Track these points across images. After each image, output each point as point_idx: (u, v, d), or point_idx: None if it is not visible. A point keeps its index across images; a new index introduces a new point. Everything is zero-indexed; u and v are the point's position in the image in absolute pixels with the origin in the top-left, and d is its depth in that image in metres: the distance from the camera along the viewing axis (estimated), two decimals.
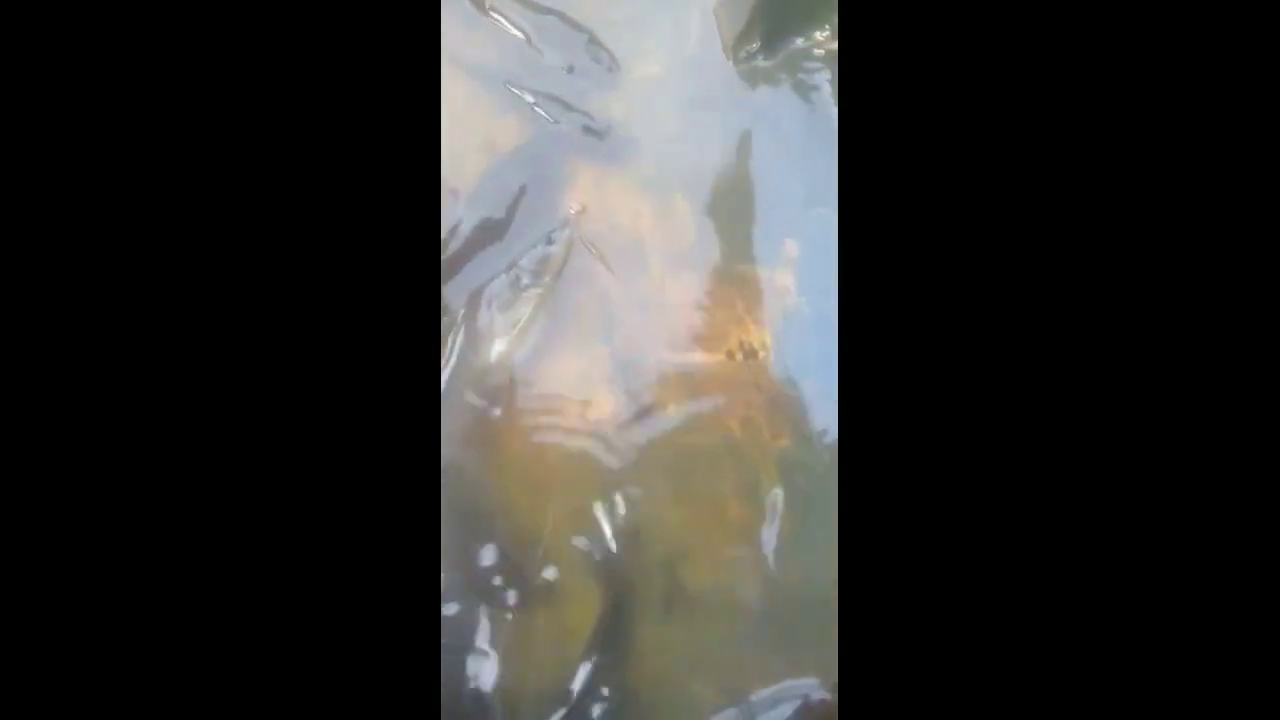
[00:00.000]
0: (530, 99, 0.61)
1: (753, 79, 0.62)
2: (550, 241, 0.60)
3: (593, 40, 0.62)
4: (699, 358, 0.60)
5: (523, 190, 0.61)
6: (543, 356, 0.60)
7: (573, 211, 0.60)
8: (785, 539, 0.58)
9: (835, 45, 0.61)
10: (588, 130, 0.61)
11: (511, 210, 0.61)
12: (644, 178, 0.62)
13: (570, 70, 0.63)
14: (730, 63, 0.62)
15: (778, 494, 0.58)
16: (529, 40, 0.62)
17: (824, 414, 0.59)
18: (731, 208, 0.61)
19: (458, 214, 0.61)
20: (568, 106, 0.62)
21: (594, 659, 0.56)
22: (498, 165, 0.62)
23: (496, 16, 0.62)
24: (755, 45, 0.61)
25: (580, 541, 0.58)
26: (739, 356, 0.60)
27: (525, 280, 0.59)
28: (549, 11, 0.63)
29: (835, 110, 0.61)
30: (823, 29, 0.61)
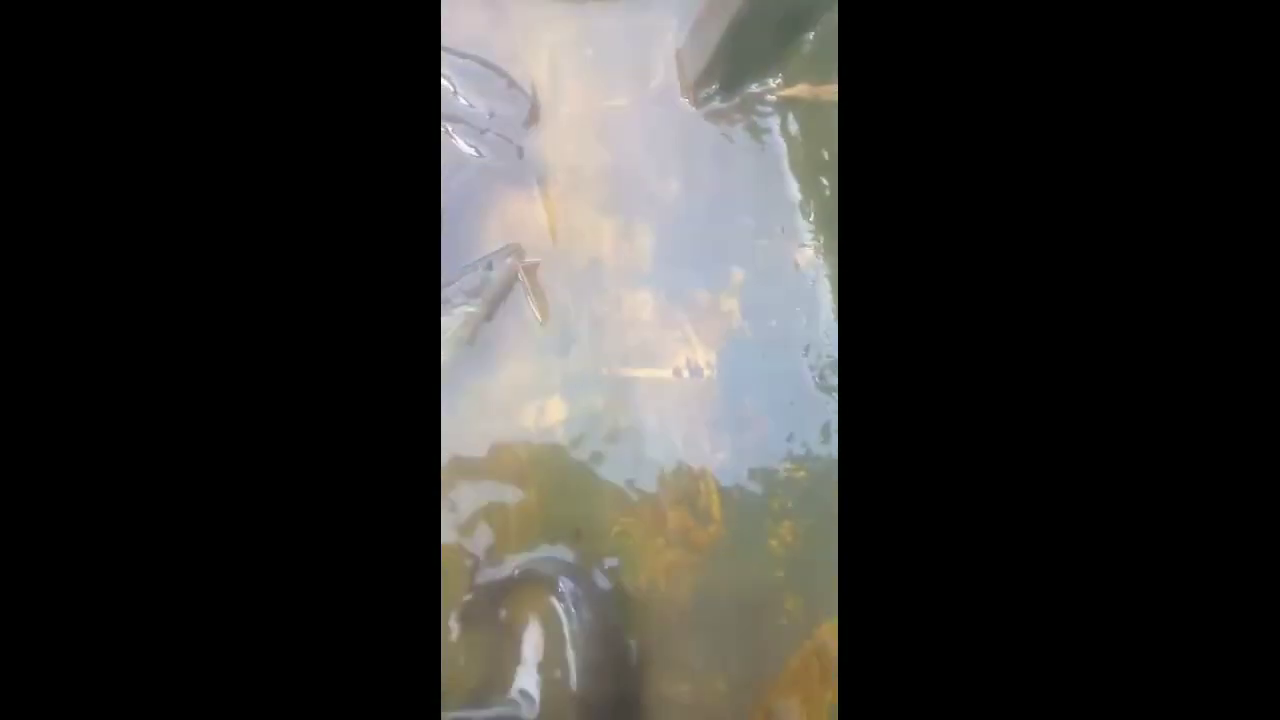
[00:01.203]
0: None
1: (710, 118, 0.67)
2: (489, 267, 0.62)
3: (511, 84, 0.67)
4: (648, 373, 0.63)
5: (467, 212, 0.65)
6: (497, 367, 0.63)
7: (523, 263, 0.63)
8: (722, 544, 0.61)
9: (786, 92, 0.66)
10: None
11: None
12: (603, 203, 0.66)
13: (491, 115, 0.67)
14: (689, 102, 0.67)
15: (714, 502, 0.61)
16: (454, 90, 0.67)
17: (760, 430, 0.62)
18: (686, 236, 0.65)
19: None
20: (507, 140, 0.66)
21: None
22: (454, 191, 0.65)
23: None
24: (714, 88, 0.65)
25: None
26: (685, 374, 0.63)
27: (458, 300, 0.62)
28: (467, 56, 0.67)
29: (784, 149, 0.66)
30: (776, 77, 0.66)
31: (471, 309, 0.61)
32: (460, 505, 0.60)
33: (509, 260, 0.62)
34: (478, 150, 0.65)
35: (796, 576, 0.60)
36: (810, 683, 0.58)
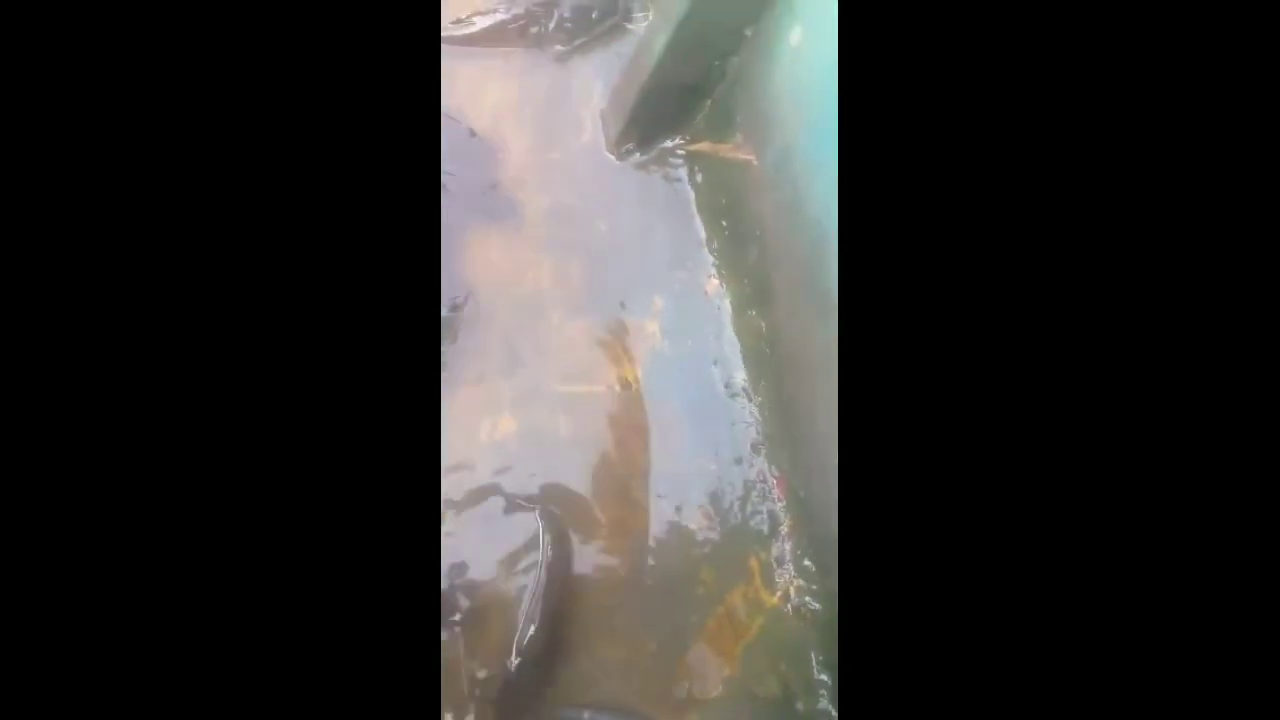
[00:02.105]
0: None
1: (630, 168, 0.78)
2: (454, 308, 0.73)
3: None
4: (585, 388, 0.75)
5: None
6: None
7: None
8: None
9: (693, 147, 0.77)
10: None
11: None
12: (542, 241, 0.77)
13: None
14: (612, 155, 0.78)
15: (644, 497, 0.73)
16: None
17: (679, 435, 0.74)
18: (612, 268, 0.77)
19: None
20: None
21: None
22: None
23: None
24: (631, 144, 0.77)
25: None
26: (616, 388, 0.75)
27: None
28: None
29: (692, 195, 0.78)
30: (684, 135, 0.78)
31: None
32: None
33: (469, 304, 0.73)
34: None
35: (712, 552, 0.72)
36: (723, 639, 0.70)
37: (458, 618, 0.67)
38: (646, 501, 0.72)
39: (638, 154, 0.77)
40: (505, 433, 0.72)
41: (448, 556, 0.67)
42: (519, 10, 0.80)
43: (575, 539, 0.70)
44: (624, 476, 0.72)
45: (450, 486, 0.69)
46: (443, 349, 0.73)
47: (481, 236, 0.76)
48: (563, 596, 0.68)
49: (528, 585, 0.67)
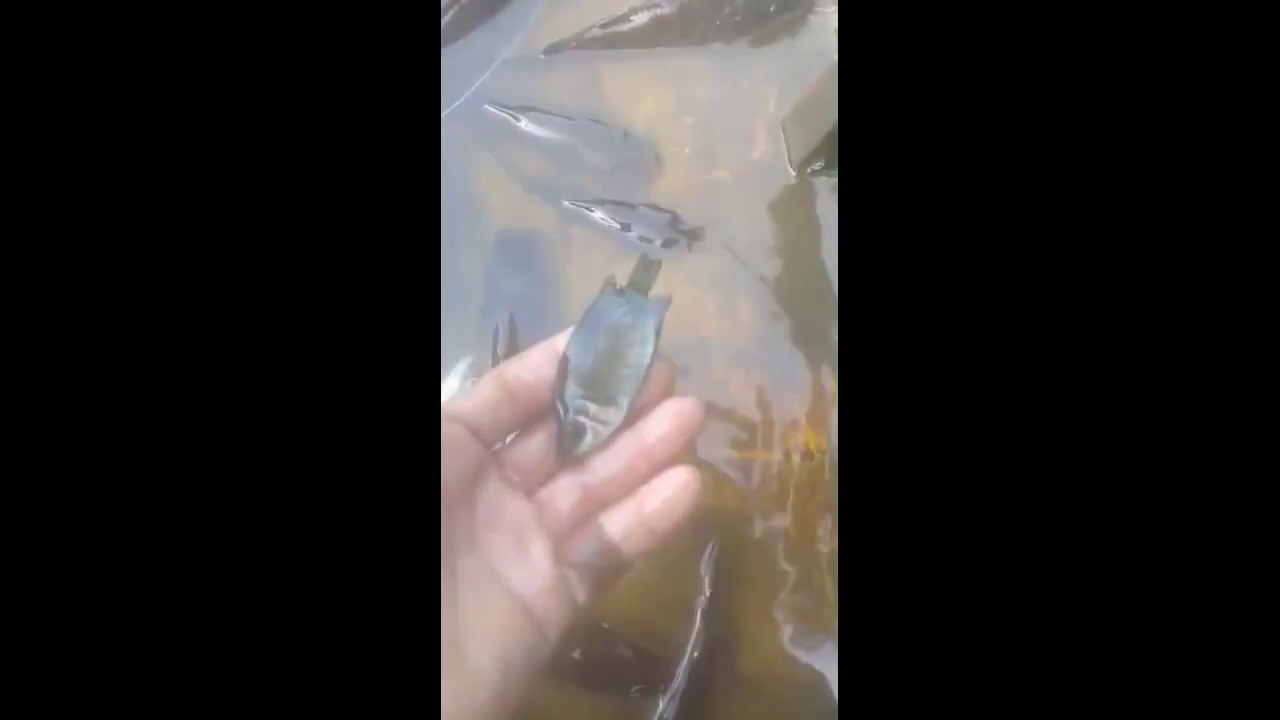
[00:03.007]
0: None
1: (814, 188, 0.66)
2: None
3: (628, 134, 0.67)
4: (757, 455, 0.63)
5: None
6: None
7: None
8: None
9: None
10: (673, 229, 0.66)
11: None
12: (710, 275, 0.65)
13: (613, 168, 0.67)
14: (793, 173, 0.66)
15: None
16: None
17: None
18: (793, 310, 0.65)
19: None
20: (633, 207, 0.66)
21: None
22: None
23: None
24: (821, 164, 0.64)
25: None
26: (795, 458, 0.63)
27: None
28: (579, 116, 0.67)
29: None
30: None
31: None
32: None
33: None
34: (628, 226, 0.65)
35: None
36: None
37: None
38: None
39: (826, 173, 0.65)
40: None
41: None
42: (683, 2, 0.68)
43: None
44: (808, 565, 0.60)
45: None
46: None
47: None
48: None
49: None
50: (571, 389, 0.41)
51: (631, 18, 0.68)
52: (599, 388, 0.41)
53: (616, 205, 0.66)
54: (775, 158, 0.66)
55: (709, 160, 0.67)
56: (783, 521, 0.61)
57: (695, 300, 0.64)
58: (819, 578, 0.61)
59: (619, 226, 0.65)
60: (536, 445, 0.41)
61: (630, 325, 0.42)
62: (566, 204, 0.66)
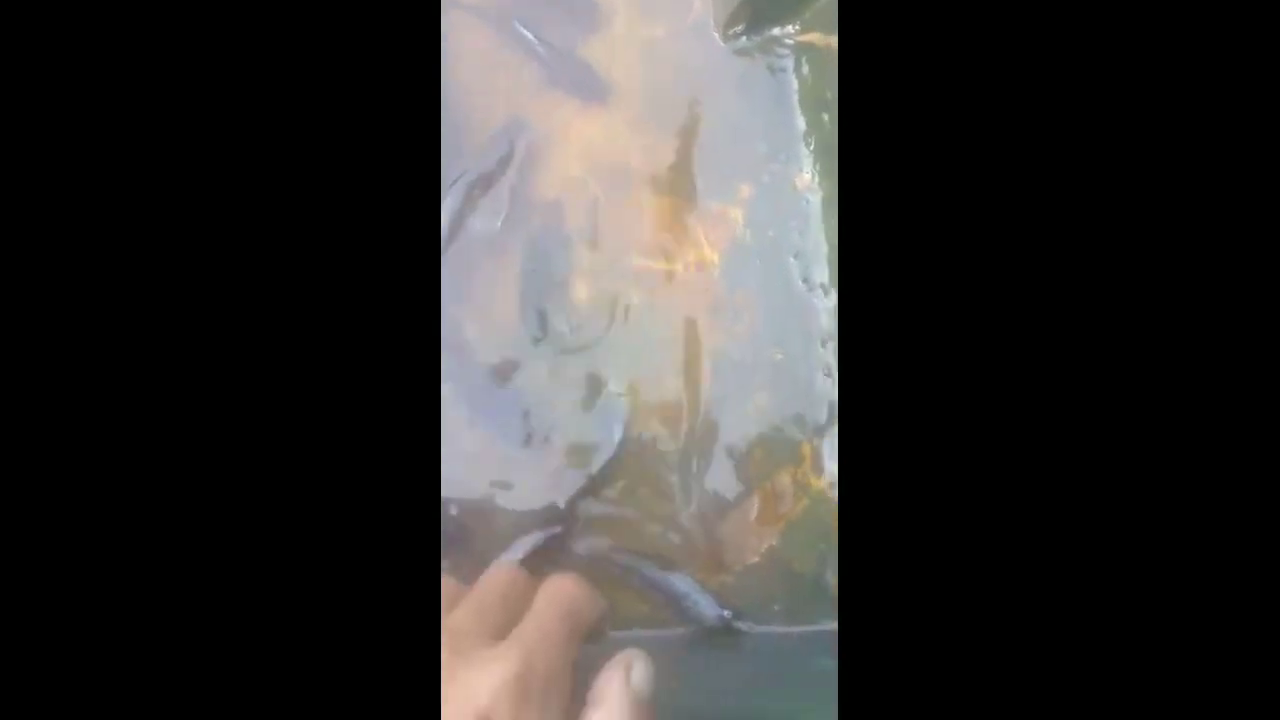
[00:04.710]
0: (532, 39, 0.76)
1: (735, 54, 0.78)
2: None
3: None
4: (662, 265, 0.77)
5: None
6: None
7: None
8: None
9: (804, 38, 0.77)
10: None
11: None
12: (635, 119, 0.78)
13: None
14: (718, 37, 0.78)
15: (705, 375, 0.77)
16: None
17: (749, 321, 0.77)
18: (703, 152, 0.78)
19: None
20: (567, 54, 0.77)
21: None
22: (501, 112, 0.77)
23: None
24: (740, 28, 0.77)
25: None
26: (693, 269, 0.77)
27: None
28: None
29: (795, 87, 0.78)
30: (796, 24, 0.78)
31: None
32: None
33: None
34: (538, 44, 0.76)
35: (767, 433, 0.76)
36: (766, 514, 0.75)
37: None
38: (707, 379, 0.75)
39: (745, 39, 0.77)
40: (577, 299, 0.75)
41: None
42: None
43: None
44: (689, 355, 0.76)
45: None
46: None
47: (575, 110, 0.77)
48: None
49: None
50: None
51: None
52: None
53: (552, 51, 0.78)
54: (706, 22, 0.78)
55: (650, 20, 0.79)
56: (673, 325, 0.76)
57: (622, 136, 0.77)
58: (696, 370, 0.76)
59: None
60: None
61: None
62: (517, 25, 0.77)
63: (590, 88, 0.77)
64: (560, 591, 0.47)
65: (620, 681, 0.46)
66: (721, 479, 0.74)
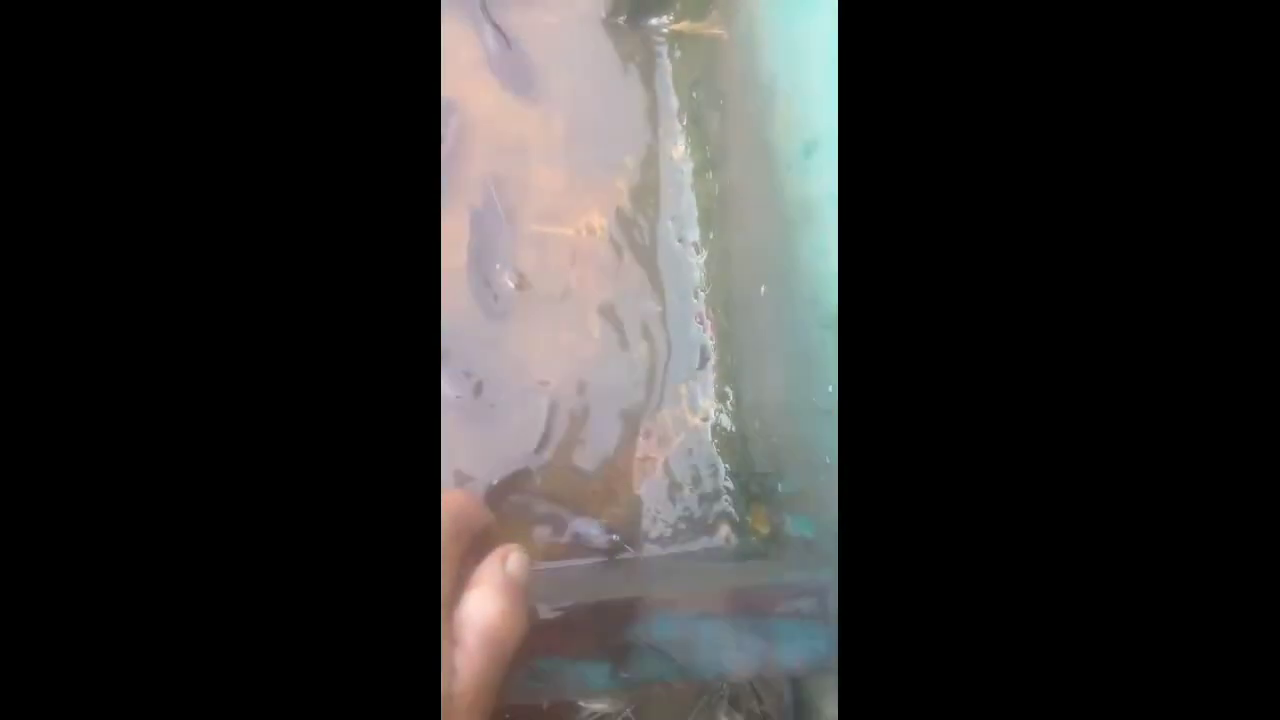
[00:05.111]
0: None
1: (618, 40, 0.88)
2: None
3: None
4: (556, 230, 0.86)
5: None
6: None
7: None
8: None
9: (676, 27, 0.87)
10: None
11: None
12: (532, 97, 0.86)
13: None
14: (603, 26, 0.88)
15: (596, 327, 0.86)
16: None
17: (634, 277, 0.86)
18: (591, 127, 0.87)
19: None
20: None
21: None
22: None
23: None
24: (623, 18, 0.87)
25: None
26: (584, 232, 0.86)
27: None
28: None
29: (669, 69, 0.88)
30: (669, 15, 0.87)
31: None
32: None
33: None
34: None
35: (648, 376, 0.87)
36: (650, 449, 0.85)
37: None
38: (598, 331, 0.85)
39: (626, 27, 0.87)
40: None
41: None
42: None
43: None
44: (580, 308, 0.85)
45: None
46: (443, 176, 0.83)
47: (480, 85, 0.85)
48: None
49: None
50: None
51: None
52: None
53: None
54: (595, 12, 0.88)
55: (547, 9, 0.88)
56: (568, 282, 0.86)
57: (519, 110, 0.86)
58: (590, 321, 0.86)
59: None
60: None
61: None
62: None
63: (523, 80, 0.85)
64: (449, 503, 0.51)
65: (496, 566, 0.51)
66: (607, 424, 0.83)
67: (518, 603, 0.50)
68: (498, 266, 0.83)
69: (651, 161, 0.86)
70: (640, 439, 0.83)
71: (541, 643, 0.54)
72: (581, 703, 0.62)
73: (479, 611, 0.48)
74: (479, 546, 0.53)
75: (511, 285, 0.82)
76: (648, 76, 0.87)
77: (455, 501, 0.52)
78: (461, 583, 0.50)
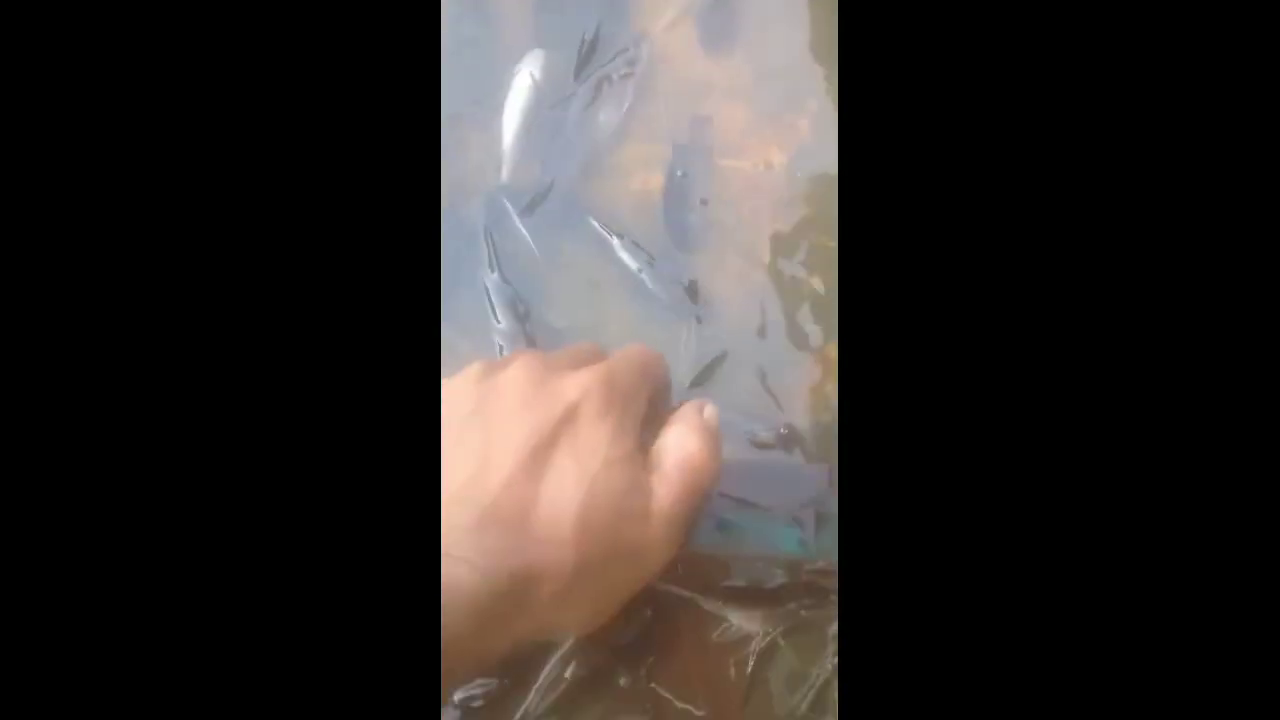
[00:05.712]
0: None
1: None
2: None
3: None
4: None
5: None
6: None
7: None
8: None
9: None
10: None
11: None
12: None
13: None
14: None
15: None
16: None
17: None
18: None
19: None
20: None
21: None
22: None
23: None
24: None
25: None
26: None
27: None
28: None
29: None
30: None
31: None
32: None
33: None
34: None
35: None
36: None
37: None
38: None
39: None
40: None
41: None
42: None
43: None
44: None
45: None
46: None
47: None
48: None
49: None
50: None
51: None
52: None
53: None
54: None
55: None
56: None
57: None
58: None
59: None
60: None
61: None
62: None
63: None
64: (633, 349, 0.53)
65: (694, 412, 0.52)
66: None
67: (715, 445, 0.51)
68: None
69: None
70: None
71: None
72: (732, 619, 0.59)
73: (678, 444, 0.50)
74: (662, 398, 0.55)
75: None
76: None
77: (639, 350, 0.54)
78: (652, 422, 0.51)
